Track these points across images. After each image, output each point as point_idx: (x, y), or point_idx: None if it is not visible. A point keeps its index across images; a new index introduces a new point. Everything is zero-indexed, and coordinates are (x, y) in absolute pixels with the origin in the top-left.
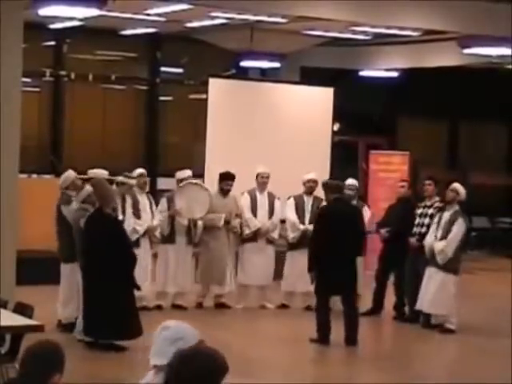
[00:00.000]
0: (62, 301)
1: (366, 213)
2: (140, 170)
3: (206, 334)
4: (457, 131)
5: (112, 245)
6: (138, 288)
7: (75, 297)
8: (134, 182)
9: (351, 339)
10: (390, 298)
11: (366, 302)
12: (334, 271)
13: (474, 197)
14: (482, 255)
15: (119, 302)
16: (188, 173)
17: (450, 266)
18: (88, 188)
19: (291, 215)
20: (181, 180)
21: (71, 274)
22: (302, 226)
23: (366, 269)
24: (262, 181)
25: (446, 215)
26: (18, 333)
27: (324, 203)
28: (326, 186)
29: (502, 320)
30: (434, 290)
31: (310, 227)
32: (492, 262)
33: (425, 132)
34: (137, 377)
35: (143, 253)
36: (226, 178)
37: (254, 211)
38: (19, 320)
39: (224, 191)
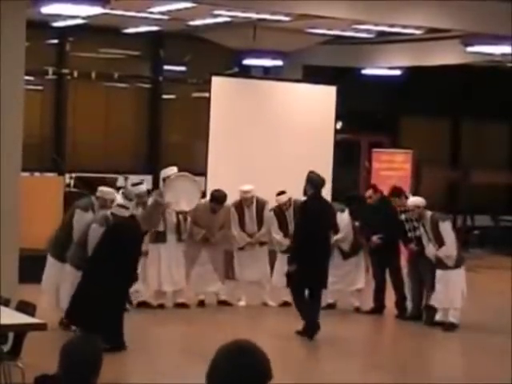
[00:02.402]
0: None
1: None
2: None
3: (208, 332)
4: (459, 129)
5: (128, 256)
6: (130, 303)
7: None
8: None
9: (310, 333)
10: (391, 296)
11: (368, 300)
12: (311, 266)
13: (476, 195)
14: (484, 253)
15: (109, 307)
16: (174, 170)
17: (457, 263)
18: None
19: (275, 234)
20: (167, 177)
21: (58, 269)
22: (287, 241)
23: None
24: (245, 197)
25: (426, 223)
26: (20, 331)
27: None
28: (308, 179)
29: (504, 318)
30: (450, 288)
31: None
32: (494, 260)
33: (427, 130)
34: (137, 377)
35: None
36: (217, 201)
37: (242, 225)
38: (21, 318)
39: (214, 211)
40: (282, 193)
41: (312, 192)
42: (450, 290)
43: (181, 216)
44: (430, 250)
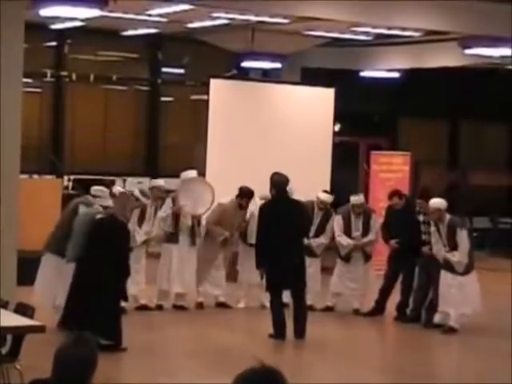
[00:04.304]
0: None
1: (376, 221)
2: (160, 183)
3: (207, 334)
4: (458, 131)
5: (113, 251)
6: (126, 299)
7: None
8: (147, 202)
9: (299, 332)
10: (392, 299)
11: (369, 302)
12: (281, 267)
13: (474, 197)
14: (482, 255)
15: (104, 303)
16: (193, 173)
17: (466, 270)
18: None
19: None
20: (185, 181)
21: (57, 265)
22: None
23: (373, 269)
24: None
25: (443, 226)
26: (19, 333)
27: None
28: (270, 181)
29: (503, 320)
30: (459, 291)
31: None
32: (493, 262)
33: (426, 132)
34: (136, 378)
35: (137, 254)
36: (246, 195)
37: None
38: (20, 320)
39: (242, 207)
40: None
41: (275, 193)
42: (462, 295)
43: (195, 219)
44: (438, 250)
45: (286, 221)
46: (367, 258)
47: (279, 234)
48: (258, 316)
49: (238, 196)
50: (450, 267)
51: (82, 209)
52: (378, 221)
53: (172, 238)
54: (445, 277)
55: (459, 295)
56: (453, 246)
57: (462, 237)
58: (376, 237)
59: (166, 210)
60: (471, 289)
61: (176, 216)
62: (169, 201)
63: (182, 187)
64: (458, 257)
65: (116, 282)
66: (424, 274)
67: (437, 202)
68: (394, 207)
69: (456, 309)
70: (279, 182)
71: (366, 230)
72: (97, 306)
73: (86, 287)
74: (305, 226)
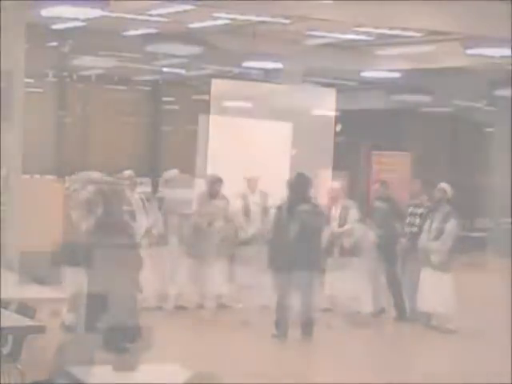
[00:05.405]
0: (66, 303)
1: (355, 215)
2: (128, 172)
3: (207, 335)
4: (459, 132)
5: (119, 247)
6: (141, 291)
7: (79, 299)
8: (127, 182)
9: (307, 332)
10: (390, 298)
11: (369, 303)
12: (292, 268)
13: (476, 197)
14: (483, 255)
15: (123, 305)
16: (175, 172)
17: (443, 266)
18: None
19: None
20: (168, 180)
21: (75, 276)
22: None
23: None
24: (251, 185)
25: (438, 216)
26: (20, 334)
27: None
28: (291, 181)
29: (503, 321)
30: (432, 290)
31: None
32: (493, 262)
33: (427, 133)
34: (137, 377)
35: (143, 253)
36: (213, 182)
37: (247, 213)
38: (21, 321)
39: (212, 195)
40: None
41: (292, 194)
42: (435, 293)
43: (182, 218)
44: (422, 240)
45: (302, 222)
46: (344, 252)
47: (294, 235)
48: (260, 316)
49: (208, 184)
50: (427, 260)
51: None
52: (357, 215)
53: (161, 239)
54: (423, 275)
55: (435, 293)
56: (438, 235)
57: (451, 227)
58: (353, 226)
59: (154, 211)
60: (446, 288)
61: (165, 216)
62: (154, 203)
63: (167, 187)
64: (438, 245)
65: (129, 278)
66: (406, 273)
67: (444, 185)
68: (376, 206)
69: (433, 308)
70: (299, 183)
71: (343, 222)
72: (118, 316)
73: (101, 294)
74: (318, 228)
